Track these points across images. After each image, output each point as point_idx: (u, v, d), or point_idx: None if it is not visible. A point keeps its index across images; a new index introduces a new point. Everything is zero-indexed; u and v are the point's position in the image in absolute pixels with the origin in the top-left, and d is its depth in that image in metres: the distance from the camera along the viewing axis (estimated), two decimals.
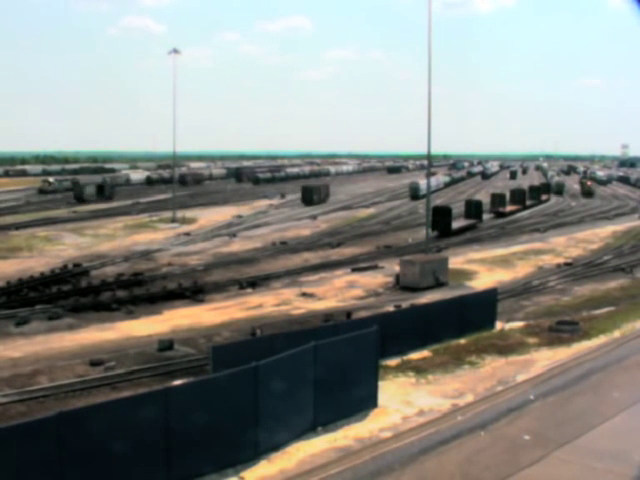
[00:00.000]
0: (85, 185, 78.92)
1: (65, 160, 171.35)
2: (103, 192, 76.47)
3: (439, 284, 33.38)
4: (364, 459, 13.15)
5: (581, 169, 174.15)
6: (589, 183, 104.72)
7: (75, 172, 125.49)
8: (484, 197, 78.39)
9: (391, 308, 27.30)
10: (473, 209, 62.06)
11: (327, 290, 33.27)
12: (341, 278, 36.36)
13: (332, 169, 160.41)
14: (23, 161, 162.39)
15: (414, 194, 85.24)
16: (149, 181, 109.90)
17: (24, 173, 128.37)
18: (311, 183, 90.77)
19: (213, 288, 33.60)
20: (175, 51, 61.70)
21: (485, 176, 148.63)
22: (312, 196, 77.15)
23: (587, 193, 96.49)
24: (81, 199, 75.04)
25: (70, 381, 19.31)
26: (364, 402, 15.78)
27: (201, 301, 31.17)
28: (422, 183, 78.89)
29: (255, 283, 34.96)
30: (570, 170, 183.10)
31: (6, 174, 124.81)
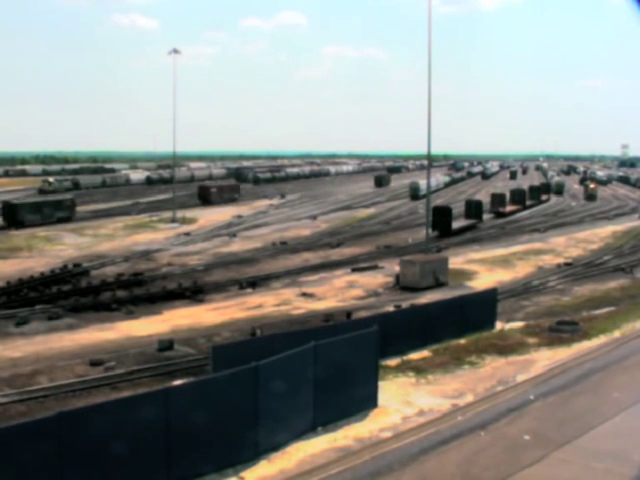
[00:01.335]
0: (247, 173, 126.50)
1: (65, 160, 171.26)
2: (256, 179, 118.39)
3: (439, 284, 33.37)
4: (364, 459, 13.16)
5: (581, 169, 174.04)
6: (592, 186, 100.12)
7: (75, 172, 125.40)
8: (484, 197, 78.44)
9: (391, 308, 27.29)
10: (473, 209, 62.07)
11: (327, 290, 33.27)
12: (341, 278, 36.36)
13: (332, 169, 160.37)
14: (23, 161, 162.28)
15: (414, 194, 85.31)
16: (149, 181, 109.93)
17: (24, 173, 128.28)
18: (380, 173, 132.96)
19: (213, 288, 33.60)
20: (175, 51, 61.70)
21: (485, 176, 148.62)
22: (382, 182, 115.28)
23: (590, 196, 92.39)
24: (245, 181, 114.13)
25: (70, 381, 19.30)
26: (364, 402, 15.78)
27: (201, 301, 31.16)
28: (422, 183, 78.95)
29: (255, 283, 34.95)
30: (570, 170, 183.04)
31: (6, 174, 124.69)
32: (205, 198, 78.70)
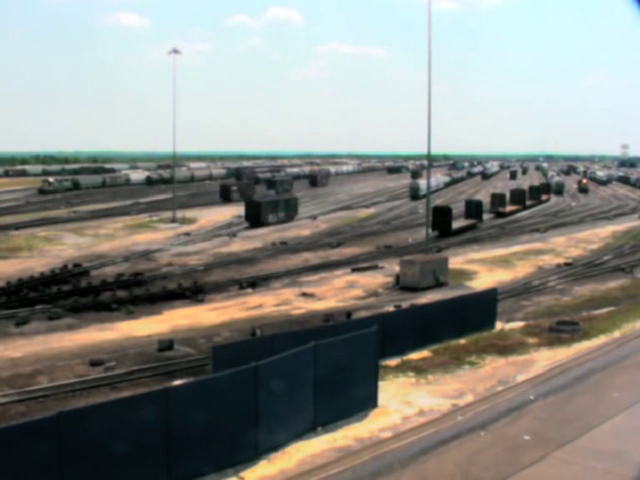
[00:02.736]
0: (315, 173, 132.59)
1: (65, 160, 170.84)
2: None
3: (439, 284, 33.38)
4: (364, 459, 13.15)
5: (581, 169, 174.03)
6: (585, 181, 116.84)
7: (75, 172, 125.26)
8: (484, 197, 78.46)
9: (391, 308, 27.29)
10: (473, 209, 62.10)
11: (327, 290, 33.27)
12: (341, 278, 36.36)
13: (332, 169, 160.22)
14: (23, 161, 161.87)
15: (414, 194, 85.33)
16: (149, 181, 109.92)
17: (24, 173, 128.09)
18: (416, 169, 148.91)
19: (213, 288, 33.61)
20: (175, 51, 61.78)
21: (485, 176, 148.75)
22: (417, 175, 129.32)
23: (583, 190, 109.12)
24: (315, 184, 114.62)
25: (70, 381, 19.31)
26: (364, 402, 15.77)
27: (201, 301, 31.17)
28: (422, 183, 79.00)
29: (255, 283, 34.96)
30: (570, 170, 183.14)
31: (6, 174, 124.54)
32: None
